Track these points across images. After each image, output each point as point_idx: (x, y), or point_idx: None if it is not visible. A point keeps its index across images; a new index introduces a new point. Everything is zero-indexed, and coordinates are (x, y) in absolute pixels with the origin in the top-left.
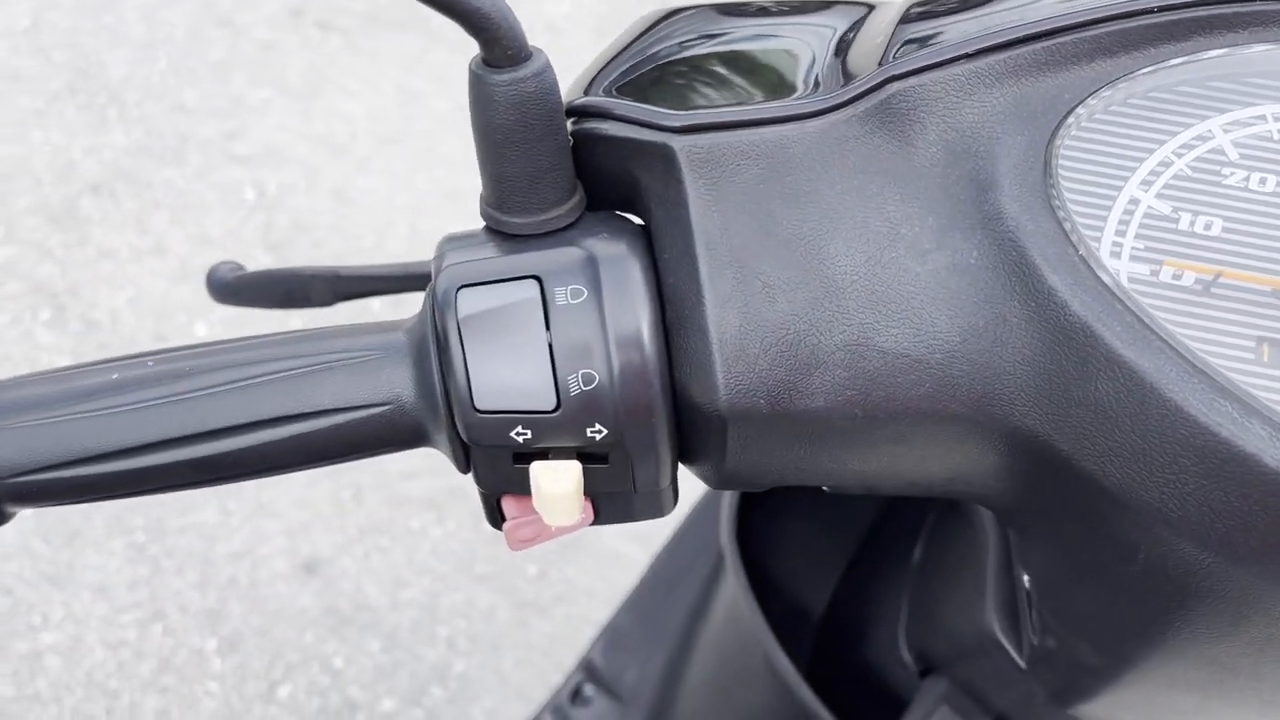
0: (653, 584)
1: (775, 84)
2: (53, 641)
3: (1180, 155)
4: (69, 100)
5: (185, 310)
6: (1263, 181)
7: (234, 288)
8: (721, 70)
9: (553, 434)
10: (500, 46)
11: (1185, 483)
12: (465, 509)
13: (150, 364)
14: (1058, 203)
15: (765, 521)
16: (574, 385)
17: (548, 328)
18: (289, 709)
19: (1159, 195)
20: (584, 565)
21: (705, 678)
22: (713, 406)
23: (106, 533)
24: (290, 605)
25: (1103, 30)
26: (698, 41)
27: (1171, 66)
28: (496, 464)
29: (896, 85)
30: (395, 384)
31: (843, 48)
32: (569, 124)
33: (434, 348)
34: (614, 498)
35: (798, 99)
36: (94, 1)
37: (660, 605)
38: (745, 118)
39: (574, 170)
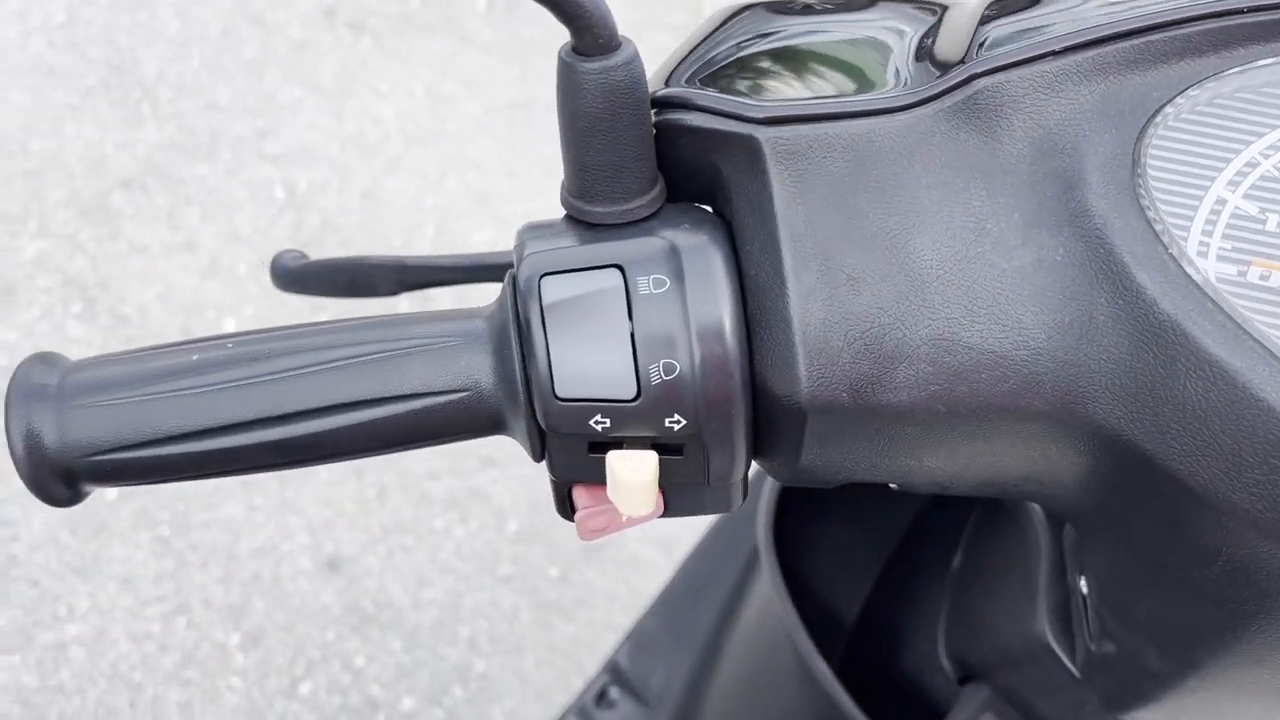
0: (681, 587)
1: (857, 78)
2: (77, 633)
3: (1267, 156)
4: (103, 95)
5: (214, 306)
6: None
7: (298, 275)
8: (802, 64)
9: (631, 423)
10: (591, 34)
11: (1276, 484)
12: (488, 510)
13: (230, 346)
14: (1146, 201)
15: (799, 526)
16: (655, 375)
17: (630, 317)
18: (310, 706)
19: (1246, 195)
20: (605, 569)
21: (734, 682)
22: (793, 399)
23: (133, 525)
24: (313, 602)
25: (1192, 29)
26: (776, 36)
27: (1260, 67)
28: (572, 452)
29: (983, 81)
30: (474, 370)
31: (925, 43)
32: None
33: (515, 335)
34: (685, 490)
35: (884, 93)
36: None
37: (688, 609)
38: (831, 110)
39: (656, 161)
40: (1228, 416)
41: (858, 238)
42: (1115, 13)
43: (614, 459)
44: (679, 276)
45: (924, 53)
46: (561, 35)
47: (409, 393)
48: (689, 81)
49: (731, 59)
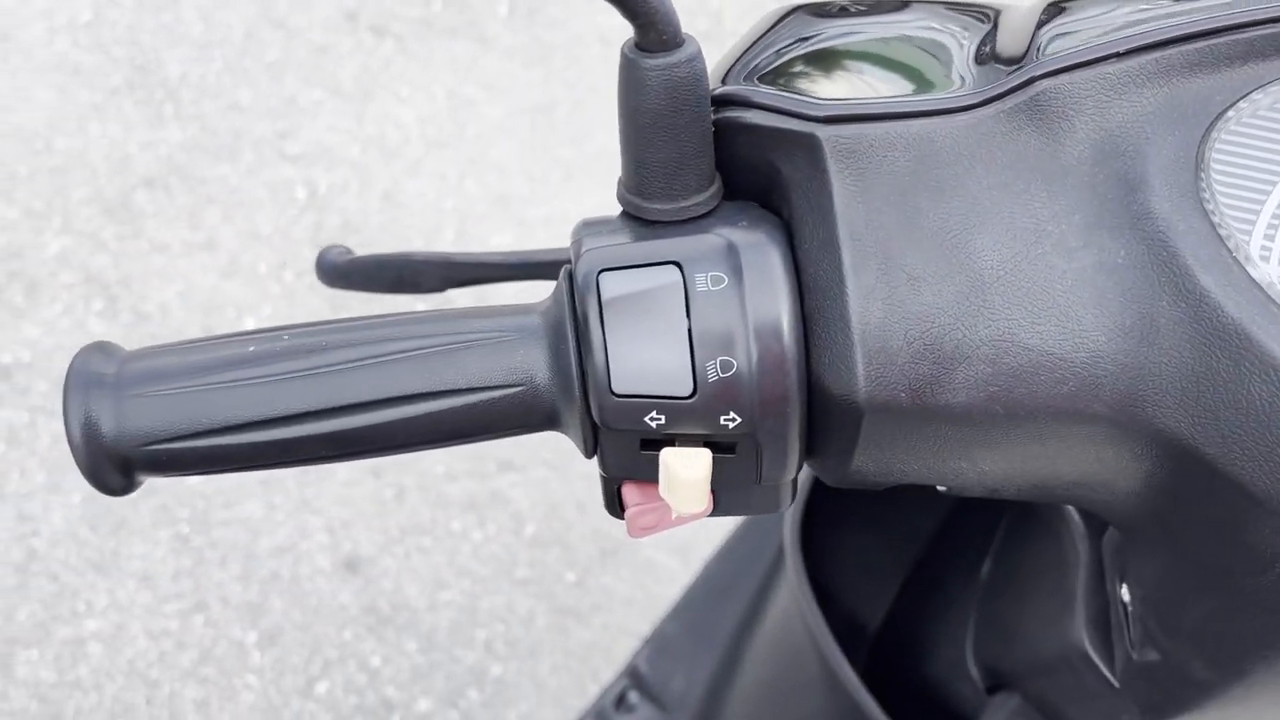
0: (702, 592)
1: (915, 79)
2: (96, 629)
3: None
4: (127, 95)
5: (234, 305)
6: None
7: (343, 271)
8: (861, 63)
9: (686, 420)
10: (655, 31)
11: None
12: (506, 513)
13: (286, 337)
14: (1210, 205)
15: (823, 531)
16: (712, 372)
17: (688, 314)
18: (326, 705)
19: None
20: (621, 574)
21: (755, 686)
22: (851, 399)
23: (152, 522)
24: (330, 602)
25: (1255, 34)
26: (833, 35)
27: None
28: (625, 449)
29: (1046, 83)
30: (530, 365)
31: (986, 44)
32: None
33: (571, 330)
34: (735, 489)
35: (945, 93)
36: (154, 0)
37: (709, 613)
38: (892, 110)
39: (714, 158)
40: None
41: (918, 237)
42: (1177, 15)
43: (668, 455)
44: (737, 274)
45: (985, 55)
46: (581, 39)
47: (464, 387)
48: (747, 79)
49: (788, 58)
